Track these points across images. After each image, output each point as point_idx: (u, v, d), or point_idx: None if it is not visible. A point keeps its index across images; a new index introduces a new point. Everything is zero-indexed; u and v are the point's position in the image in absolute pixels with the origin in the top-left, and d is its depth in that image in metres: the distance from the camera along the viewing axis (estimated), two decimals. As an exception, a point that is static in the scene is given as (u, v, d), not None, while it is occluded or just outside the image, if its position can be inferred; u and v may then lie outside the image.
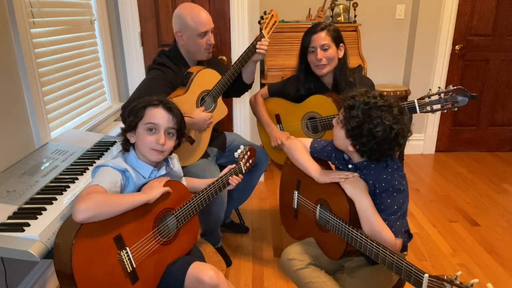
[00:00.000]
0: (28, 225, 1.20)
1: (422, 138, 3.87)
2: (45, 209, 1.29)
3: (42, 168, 1.61)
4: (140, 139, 1.39)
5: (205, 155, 2.08)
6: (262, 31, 2.03)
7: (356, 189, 1.35)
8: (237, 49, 2.95)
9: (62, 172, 1.58)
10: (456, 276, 0.96)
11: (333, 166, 1.60)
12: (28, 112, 1.83)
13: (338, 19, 3.54)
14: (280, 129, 2.23)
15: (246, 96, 2.50)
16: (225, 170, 1.62)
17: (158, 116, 1.39)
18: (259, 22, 2.12)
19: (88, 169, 1.62)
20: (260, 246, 2.41)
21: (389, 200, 1.33)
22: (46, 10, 2.06)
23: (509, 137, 3.87)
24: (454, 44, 3.59)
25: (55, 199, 1.37)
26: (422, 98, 1.68)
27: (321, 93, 2.05)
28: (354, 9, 3.50)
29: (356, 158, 1.43)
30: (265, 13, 2.10)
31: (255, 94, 2.28)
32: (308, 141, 1.65)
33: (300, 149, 1.61)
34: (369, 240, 1.23)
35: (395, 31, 3.70)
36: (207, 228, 2.11)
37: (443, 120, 3.82)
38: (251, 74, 2.17)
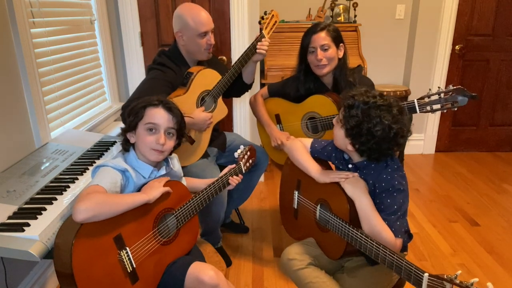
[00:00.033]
0: (28, 225, 1.20)
1: (422, 138, 3.87)
2: (45, 209, 1.29)
3: (42, 168, 1.61)
4: (140, 139, 1.39)
5: (205, 155, 2.08)
6: (263, 31, 2.03)
7: (356, 189, 1.35)
8: (237, 49, 2.95)
9: (62, 172, 1.58)
10: (456, 275, 0.96)
11: (333, 166, 1.60)
12: (28, 112, 1.83)
13: (338, 19, 3.54)
14: (280, 129, 2.23)
15: (246, 96, 2.50)
16: (225, 170, 1.62)
17: (158, 116, 1.39)
18: (260, 22, 2.12)
19: (88, 169, 1.62)
20: (260, 246, 2.41)
21: (389, 200, 1.33)
22: (46, 10, 2.06)
23: (509, 137, 3.87)
24: (454, 44, 3.59)
25: (55, 199, 1.37)
26: (422, 98, 1.68)
27: (321, 93, 2.05)
28: (354, 9, 3.50)
29: (356, 157, 1.43)
30: (265, 13, 2.10)
31: (255, 94, 2.28)
32: (308, 141, 1.65)
33: (300, 149, 1.61)
34: (369, 240, 1.23)
35: (395, 31, 3.70)
36: (207, 228, 2.11)
37: (443, 120, 3.82)
38: (251, 74, 2.17)
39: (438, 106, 1.64)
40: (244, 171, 1.67)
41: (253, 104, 2.28)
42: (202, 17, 1.93)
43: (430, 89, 1.70)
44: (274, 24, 2.09)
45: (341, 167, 1.52)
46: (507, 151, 3.90)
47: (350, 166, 1.47)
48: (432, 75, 3.66)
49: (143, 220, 1.31)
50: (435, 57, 3.60)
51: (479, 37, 3.59)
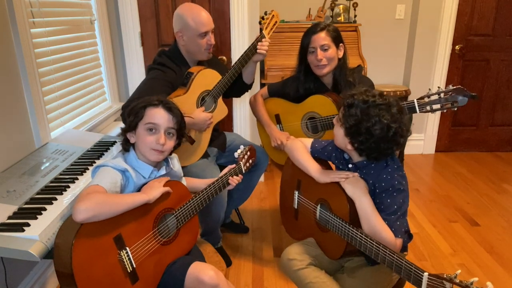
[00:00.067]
0: (28, 225, 1.20)
1: (422, 138, 3.87)
2: (45, 209, 1.29)
3: (42, 168, 1.61)
4: (140, 139, 1.39)
5: (205, 155, 2.08)
6: (263, 32, 2.03)
7: (356, 189, 1.35)
8: (237, 49, 2.95)
9: (62, 172, 1.58)
10: (456, 274, 0.96)
11: (333, 166, 1.60)
12: (28, 112, 1.83)
13: (338, 19, 3.54)
14: (280, 129, 2.23)
15: (246, 96, 2.50)
16: (225, 170, 1.62)
17: (158, 116, 1.39)
18: (260, 23, 2.12)
19: (88, 169, 1.62)
20: (260, 246, 2.41)
21: (389, 200, 1.33)
22: (46, 10, 2.06)
23: (509, 137, 3.87)
24: (454, 44, 3.59)
25: (55, 199, 1.37)
26: (422, 98, 1.68)
27: (321, 93, 2.05)
28: (354, 9, 3.50)
29: (356, 157, 1.43)
30: (265, 13, 2.10)
31: (255, 94, 2.28)
32: (308, 141, 1.65)
33: (300, 149, 1.61)
34: (369, 240, 1.23)
35: (395, 31, 3.70)
36: (207, 228, 2.11)
37: (443, 120, 3.82)
38: (251, 74, 2.17)
39: (438, 106, 1.64)
40: (244, 171, 1.67)
41: (253, 104, 2.28)
42: (203, 17, 1.93)
43: (430, 89, 1.70)
44: (274, 24, 2.09)
45: (341, 167, 1.52)
46: (507, 151, 3.90)
47: (350, 166, 1.47)
48: (432, 75, 3.66)
49: (143, 220, 1.31)
50: (435, 57, 3.60)
51: (479, 37, 3.59)
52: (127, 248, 1.24)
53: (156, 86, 1.86)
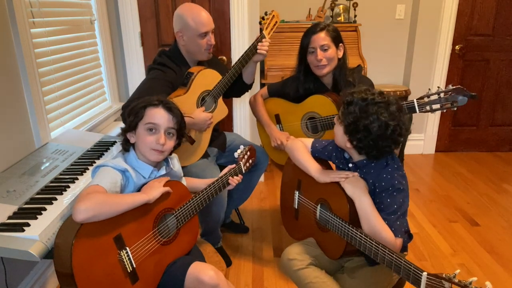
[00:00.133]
0: (28, 225, 1.20)
1: (422, 138, 3.87)
2: (45, 209, 1.29)
3: (42, 168, 1.61)
4: (140, 139, 1.39)
5: (205, 155, 2.08)
6: (263, 32, 2.03)
7: (356, 189, 1.35)
8: (237, 49, 2.95)
9: (62, 172, 1.58)
10: (455, 274, 0.96)
11: (333, 166, 1.60)
12: (28, 112, 1.84)
13: (338, 19, 3.54)
14: (280, 129, 2.23)
15: (246, 96, 2.50)
16: (225, 170, 1.62)
17: (158, 116, 1.39)
18: (260, 23, 2.12)
19: (88, 169, 1.62)
20: (260, 246, 2.41)
21: (389, 200, 1.33)
22: (46, 10, 2.06)
23: (509, 137, 3.87)
24: (454, 44, 3.59)
25: (55, 199, 1.37)
26: (422, 97, 1.68)
27: (320, 93, 2.05)
28: (354, 9, 3.50)
29: (356, 156, 1.43)
30: (266, 13, 2.10)
31: (255, 94, 2.28)
32: (309, 141, 1.65)
33: (301, 149, 1.62)
34: (368, 239, 1.23)
35: (395, 31, 3.70)
36: (207, 228, 2.11)
37: (443, 120, 3.82)
38: (252, 74, 2.17)
39: (438, 106, 1.64)
40: (244, 171, 1.67)
41: (253, 104, 2.28)
42: (203, 17, 1.93)
43: (429, 89, 1.70)
44: (274, 25, 2.09)
45: (341, 166, 1.52)
46: (507, 151, 3.90)
47: (350, 165, 1.47)
48: (432, 75, 3.66)
49: (143, 220, 1.31)
50: (435, 57, 3.60)
51: (479, 37, 3.59)
52: (127, 248, 1.24)
53: (156, 86, 1.87)
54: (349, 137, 1.36)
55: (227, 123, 3.11)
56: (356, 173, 1.41)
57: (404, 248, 1.44)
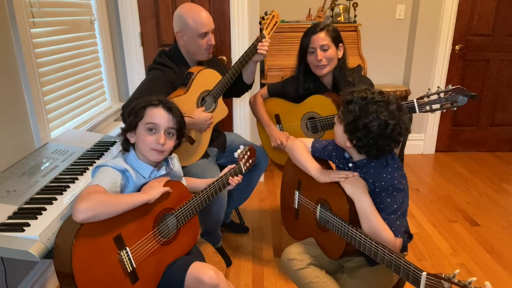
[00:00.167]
0: (28, 225, 1.20)
1: (422, 138, 3.87)
2: (45, 209, 1.30)
3: (42, 168, 1.61)
4: (140, 139, 1.39)
5: (205, 155, 2.08)
6: (263, 32, 2.04)
7: (355, 189, 1.35)
8: (237, 49, 2.95)
9: (62, 172, 1.58)
10: (454, 274, 0.96)
11: (333, 166, 1.60)
12: (28, 112, 1.84)
13: (338, 19, 3.54)
14: (280, 129, 2.23)
15: (246, 96, 2.50)
16: (225, 170, 1.62)
17: (158, 116, 1.39)
18: (260, 23, 2.12)
19: (88, 169, 1.62)
20: (260, 246, 2.41)
21: (388, 199, 1.33)
22: (46, 10, 2.06)
23: (509, 137, 3.87)
24: (454, 44, 3.59)
25: (55, 199, 1.37)
26: (421, 97, 1.68)
27: (320, 93, 2.05)
28: (354, 9, 3.50)
29: (355, 155, 1.43)
30: (266, 13, 2.10)
31: (255, 94, 2.28)
32: (309, 141, 1.66)
33: (301, 148, 1.62)
34: (368, 239, 1.23)
35: (395, 31, 3.70)
36: (207, 228, 2.11)
37: (443, 120, 3.82)
38: (252, 74, 2.17)
39: (438, 106, 1.64)
40: (244, 171, 1.67)
41: (252, 104, 2.28)
42: (203, 18, 1.93)
43: (429, 89, 1.70)
44: (274, 25, 2.09)
45: (341, 166, 1.52)
46: (507, 151, 3.90)
47: (350, 165, 1.47)
48: (432, 75, 3.66)
49: (143, 220, 1.31)
50: (435, 57, 3.60)
51: (479, 37, 3.59)
52: (127, 248, 1.24)
53: (156, 86, 1.87)
54: (349, 136, 1.36)
55: (227, 123, 3.11)
56: (356, 173, 1.41)
57: (404, 248, 1.44)
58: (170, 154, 1.52)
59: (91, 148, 1.87)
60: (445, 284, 0.96)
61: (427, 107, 1.66)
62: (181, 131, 1.47)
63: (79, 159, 1.73)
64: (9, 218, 1.25)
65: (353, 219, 1.34)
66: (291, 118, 2.18)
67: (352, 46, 3.36)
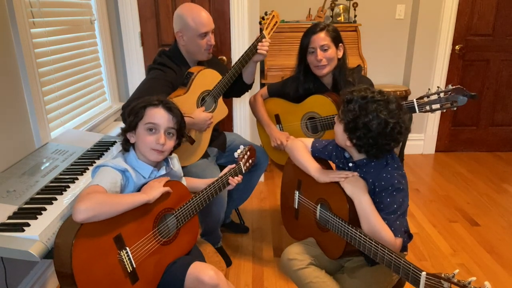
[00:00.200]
0: (28, 225, 1.20)
1: (422, 138, 3.87)
2: (45, 209, 1.30)
3: (42, 168, 1.61)
4: (140, 139, 1.39)
5: (205, 155, 2.08)
6: (263, 32, 2.04)
7: (355, 188, 1.35)
8: (237, 49, 2.95)
9: (62, 172, 1.58)
10: (454, 274, 0.96)
11: (333, 166, 1.60)
12: (28, 112, 1.84)
13: (338, 19, 3.54)
14: (280, 129, 2.23)
15: (246, 96, 2.50)
16: (225, 170, 1.62)
17: (158, 116, 1.39)
18: (260, 23, 2.12)
19: (88, 169, 1.62)
20: (260, 246, 2.41)
21: (388, 199, 1.33)
22: (46, 10, 2.06)
23: (509, 137, 3.87)
24: (454, 44, 3.59)
25: (55, 199, 1.37)
26: (421, 97, 1.68)
27: (320, 93, 2.05)
28: (354, 9, 3.50)
29: (355, 155, 1.43)
30: (266, 13, 2.10)
31: (255, 94, 2.28)
32: (309, 141, 1.66)
33: (301, 148, 1.62)
34: (368, 239, 1.23)
35: (395, 31, 3.70)
36: (207, 228, 2.11)
37: (443, 120, 3.82)
38: (252, 74, 2.17)
39: (438, 106, 1.64)
40: (244, 171, 1.67)
41: (252, 104, 2.28)
42: (203, 18, 1.93)
43: (429, 89, 1.70)
44: (274, 25, 2.09)
45: (341, 166, 1.52)
46: (507, 151, 3.90)
47: (350, 164, 1.47)
48: (432, 75, 3.66)
49: (143, 220, 1.31)
50: (435, 57, 3.60)
51: (479, 37, 3.59)
52: (127, 248, 1.24)
53: (156, 86, 1.87)
54: (349, 135, 1.36)
55: (227, 123, 3.11)
56: (355, 173, 1.41)
57: (404, 248, 1.44)
58: (170, 154, 1.52)
59: (91, 148, 1.87)
60: (444, 284, 0.96)
61: (427, 107, 1.66)
62: (181, 131, 1.47)
63: (79, 159, 1.73)
64: (9, 218, 1.25)
65: (353, 219, 1.34)
66: (291, 118, 2.18)
67: (352, 46, 3.36)
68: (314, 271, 1.43)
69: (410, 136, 3.64)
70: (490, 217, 2.70)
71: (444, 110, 1.66)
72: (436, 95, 1.64)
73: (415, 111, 1.69)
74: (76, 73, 2.36)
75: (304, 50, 2.02)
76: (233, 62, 2.03)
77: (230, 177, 1.60)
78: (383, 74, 3.81)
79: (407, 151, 3.78)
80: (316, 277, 1.41)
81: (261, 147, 2.34)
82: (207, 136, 2.05)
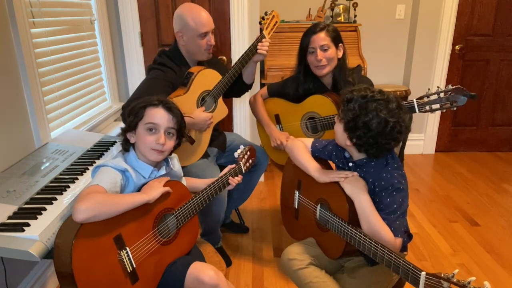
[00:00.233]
0: (28, 225, 1.20)
1: (422, 138, 3.87)
2: (45, 209, 1.30)
3: (42, 168, 1.61)
4: (140, 139, 1.39)
5: (205, 155, 2.08)
6: (263, 32, 2.04)
7: (355, 188, 1.35)
8: (237, 49, 2.95)
9: (62, 172, 1.58)
10: (454, 274, 0.96)
11: (333, 165, 1.60)
12: (28, 112, 1.84)
13: (338, 19, 3.54)
14: (280, 129, 2.23)
15: (246, 96, 2.50)
16: (225, 170, 1.62)
17: (158, 116, 1.39)
18: (260, 23, 2.12)
19: (88, 169, 1.62)
20: (260, 246, 2.41)
21: (388, 199, 1.33)
22: (46, 10, 2.06)
23: (509, 137, 3.87)
24: (454, 44, 3.59)
25: (55, 199, 1.37)
26: (421, 97, 1.68)
27: (320, 93, 2.05)
28: (354, 9, 3.50)
29: (355, 154, 1.43)
30: (266, 13, 2.10)
31: (255, 94, 2.28)
32: (309, 141, 1.66)
33: (301, 148, 1.62)
34: (367, 239, 1.23)
35: (395, 31, 3.70)
36: (207, 228, 2.11)
37: (443, 120, 3.82)
38: (252, 74, 2.17)
39: (437, 106, 1.64)
40: (244, 171, 1.67)
41: (252, 104, 2.28)
42: (203, 18, 1.93)
43: (429, 89, 1.70)
44: (274, 25, 2.09)
45: (341, 165, 1.52)
46: (507, 151, 3.90)
47: (350, 164, 1.47)
48: (432, 75, 3.66)
49: (143, 220, 1.31)
50: (435, 57, 3.60)
51: (479, 37, 3.59)
52: (127, 248, 1.24)
53: (156, 86, 1.87)
54: (349, 134, 1.36)
55: (227, 123, 3.11)
56: (355, 173, 1.41)
57: (404, 248, 1.44)
58: (170, 154, 1.52)
59: (91, 148, 1.87)
60: (444, 284, 0.96)
61: (427, 107, 1.66)
62: (181, 131, 1.47)
63: (79, 159, 1.73)
64: (9, 218, 1.25)
65: (353, 219, 1.34)
66: (291, 118, 2.18)
67: (352, 46, 3.36)
68: (314, 271, 1.43)
69: (410, 136, 3.64)
70: (490, 217, 2.70)
71: (444, 110, 1.66)
72: (436, 95, 1.64)
73: (415, 111, 1.69)
74: (76, 73, 2.36)
75: (304, 50, 2.02)
76: (233, 62, 2.03)
77: (230, 177, 1.60)
78: (383, 74, 3.81)
79: (407, 151, 3.78)
80: (316, 277, 1.41)
81: (261, 147, 2.34)
82: (207, 136, 2.05)
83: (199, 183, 1.63)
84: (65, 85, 2.23)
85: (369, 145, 1.34)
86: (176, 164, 1.56)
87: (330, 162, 1.62)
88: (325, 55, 1.96)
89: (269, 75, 3.25)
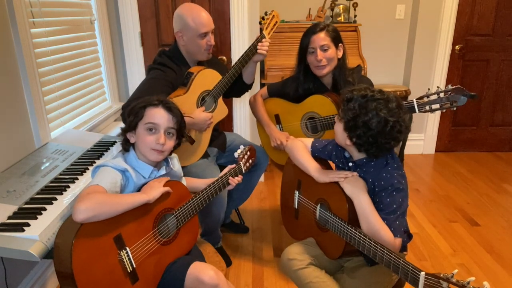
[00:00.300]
0: (28, 225, 1.20)
1: (422, 138, 3.87)
2: (45, 209, 1.30)
3: (42, 168, 1.61)
4: (140, 139, 1.39)
5: (205, 155, 2.08)
6: (263, 32, 2.04)
7: (355, 188, 1.35)
8: (237, 49, 2.95)
9: (62, 172, 1.58)
10: (453, 274, 0.96)
11: (333, 165, 1.60)
12: (28, 112, 1.84)
13: (338, 19, 3.54)
14: (280, 129, 2.23)
15: (246, 96, 2.50)
16: (225, 170, 1.62)
17: (158, 116, 1.39)
18: (260, 23, 2.12)
19: (88, 169, 1.62)
20: (260, 246, 2.41)
21: (388, 199, 1.33)
22: (46, 10, 2.06)
23: (509, 137, 3.87)
24: (454, 44, 3.59)
25: (55, 199, 1.37)
26: (421, 97, 1.68)
27: (320, 93, 2.05)
28: (354, 9, 3.50)
29: (355, 154, 1.43)
30: (266, 13, 2.10)
31: (255, 95, 2.28)
32: (309, 141, 1.66)
33: (300, 148, 1.62)
34: (367, 239, 1.23)
35: (395, 31, 3.70)
36: (207, 228, 2.11)
37: (443, 120, 3.82)
38: (252, 74, 2.17)
39: (437, 106, 1.64)
40: (244, 171, 1.67)
41: (252, 104, 2.28)
42: (203, 18, 1.93)
43: (429, 89, 1.70)
44: (274, 25, 2.09)
45: (341, 165, 1.52)
46: (507, 151, 3.90)
47: (350, 164, 1.47)
48: (432, 75, 3.66)
49: (143, 220, 1.31)
50: (435, 57, 3.60)
51: (479, 37, 3.59)
52: (127, 248, 1.24)
53: (156, 86, 1.87)
54: (349, 133, 1.36)
55: (227, 123, 3.12)
56: (355, 173, 1.41)
57: (403, 248, 1.44)
58: (170, 154, 1.52)
59: (91, 148, 1.87)
60: (443, 284, 0.96)
61: (427, 107, 1.67)
62: (181, 131, 1.47)
63: (79, 159, 1.73)
64: (9, 218, 1.25)
65: (353, 219, 1.34)
66: (291, 118, 2.18)
67: (352, 46, 3.36)
68: (314, 271, 1.43)
69: (410, 136, 3.64)
70: (490, 217, 2.70)
71: (444, 110, 1.66)
72: (436, 95, 1.64)
73: (415, 111, 1.70)
74: (76, 73, 2.36)
75: (304, 50, 2.02)
76: (233, 62, 2.03)
77: (230, 177, 1.60)
78: (383, 74, 3.81)
79: (407, 151, 3.78)
80: (316, 277, 1.41)
81: (261, 147, 2.34)
82: (207, 136, 2.05)
83: (199, 183, 1.63)
84: (65, 85, 2.23)
85: (369, 145, 1.34)
86: (176, 164, 1.56)
87: (330, 162, 1.62)
88: (325, 55, 1.96)
89: (269, 75, 3.25)
